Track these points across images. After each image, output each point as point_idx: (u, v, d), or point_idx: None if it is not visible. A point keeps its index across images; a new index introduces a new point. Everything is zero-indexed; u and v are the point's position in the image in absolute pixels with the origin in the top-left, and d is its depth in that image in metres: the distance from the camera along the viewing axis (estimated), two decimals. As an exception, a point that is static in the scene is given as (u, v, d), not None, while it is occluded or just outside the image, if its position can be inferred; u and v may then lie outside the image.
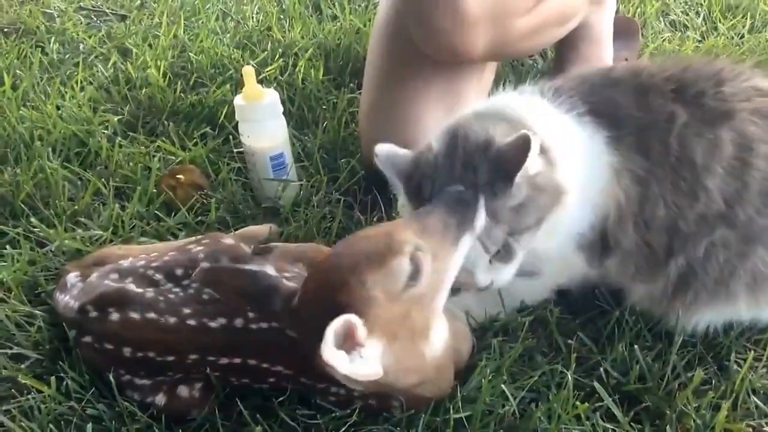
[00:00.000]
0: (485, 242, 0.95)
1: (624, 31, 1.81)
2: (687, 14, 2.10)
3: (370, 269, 0.78)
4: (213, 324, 0.93)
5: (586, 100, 1.03)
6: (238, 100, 1.36)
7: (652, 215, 1.01)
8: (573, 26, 1.55)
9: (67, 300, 1.02)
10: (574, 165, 0.99)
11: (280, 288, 0.87)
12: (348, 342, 0.75)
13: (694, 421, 0.96)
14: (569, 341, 1.07)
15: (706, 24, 2.05)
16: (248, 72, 1.33)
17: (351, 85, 1.70)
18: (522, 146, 0.91)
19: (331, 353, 0.72)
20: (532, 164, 0.93)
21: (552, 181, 0.96)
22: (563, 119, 1.01)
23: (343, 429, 0.94)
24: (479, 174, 0.94)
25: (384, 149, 1.01)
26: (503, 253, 0.97)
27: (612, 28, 1.72)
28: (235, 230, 1.25)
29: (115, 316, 0.96)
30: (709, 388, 1.01)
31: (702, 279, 1.03)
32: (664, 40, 1.95)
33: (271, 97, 1.36)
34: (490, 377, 0.99)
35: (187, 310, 0.95)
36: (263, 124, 1.37)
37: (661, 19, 2.08)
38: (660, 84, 1.03)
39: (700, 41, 1.96)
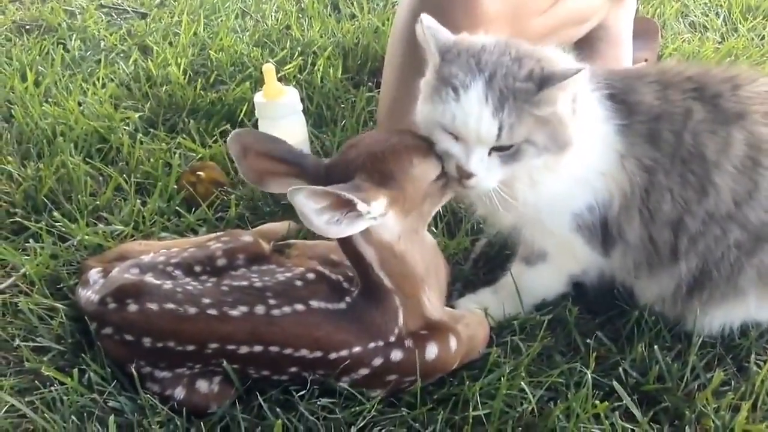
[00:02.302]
0: (504, 127, 0.93)
1: (644, 31, 1.81)
2: (707, 15, 2.09)
3: (419, 155, 0.95)
4: (234, 312, 0.94)
5: (611, 84, 1.03)
6: (258, 98, 1.37)
7: (657, 207, 1.02)
8: (591, 26, 1.54)
9: (88, 295, 1.03)
10: (582, 142, 0.99)
11: (305, 154, 0.99)
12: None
13: (713, 422, 0.96)
14: (588, 341, 1.07)
15: (726, 25, 2.04)
16: (268, 70, 1.34)
17: (369, 84, 1.71)
18: (569, 71, 0.91)
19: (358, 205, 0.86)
20: (567, 93, 0.93)
21: (567, 127, 0.96)
22: (591, 95, 1.01)
23: (362, 422, 0.95)
24: (522, 70, 0.93)
25: (431, 21, 0.99)
26: (506, 152, 0.96)
27: (631, 28, 1.72)
28: (254, 227, 1.26)
29: (133, 307, 0.97)
30: (729, 389, 1.01)
31: (715, 279, 1.03)
32: (683, 41, 1.94)
33: (290, 94, 1.37)
34: (509, 375, 0.99)
35: (207, 300, 0.95)
36: (283, 121, 1.38)
37: (681, 20, 2.08)
38: (682, 82, 1.04)
39: (720, 42, 1.95)
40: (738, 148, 1.00)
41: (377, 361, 0.95)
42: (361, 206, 0.87)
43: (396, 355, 0.96)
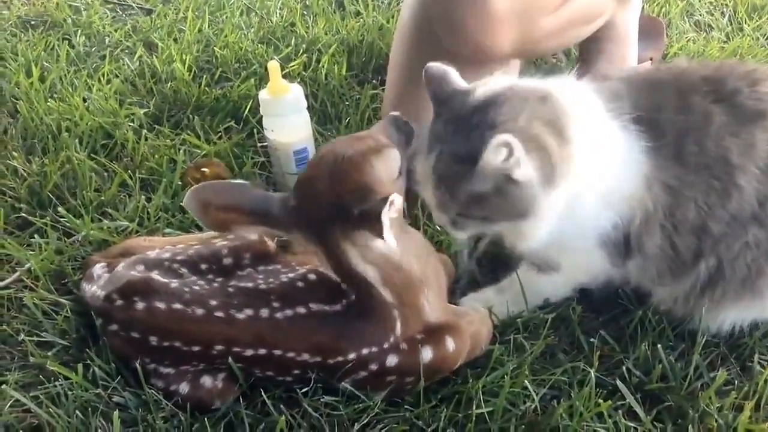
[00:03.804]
0: (442, 203, 0.98)
1: (649, 30, 1.80)
2: (712, 14, 2.09)
3: (376, 156, 0.92)
4: (240, 315, 0.95)
5: (634, 105, 1.01)
6: (263, 95, 1.37)
7: (683, 218, 1.01)
8: (599, 25, 1.54)
9: (94, 290, 1.03)
10: (604, 170, 0.99)
11: (269, 195, 0.97)
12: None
13: (716, 421, 0.96)
14: (591, 339, 1.07)
15: (731, 24, 2.04)
16: (273, 67, 1.34)
17: (374, 81, 1.71)
18: (499, 147, 0.89)
19: (384, 222, 0.85)
20: (513, 167, 0.90)
21: (527, 196, 0.94)
22: (610, 124, 1.00)
23: (365, 420, 0.95)
24: (461, 145, 0.94)
25: (436, 69, 1.01)
26: (454, 223, 1.01)
27: (637, 27, 1.71)
28: (259, 223, 1.26)
29: (140, 305, 0.97)
30: (732, 389, 1.01)
31: (730, 278, 1.02)
32: (688, 40, 1.94)
33: (295, 91, 1.37)
34: (512, 373, 0.99)
35: (213, 302, 0.96)
36: (287, 118, 1.38)
37: (686, 19, 2.07)
38: (698, 84, 1.02)
39: (725, 42, 1.94)
40: (761, 148, 0.98)
41: (373, 366, 0.95)
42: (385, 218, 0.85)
43: (391, 360, 0.96)
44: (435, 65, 1.01)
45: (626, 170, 1.00)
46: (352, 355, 0.95)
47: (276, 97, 1.36)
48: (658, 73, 1.09)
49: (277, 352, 0.95)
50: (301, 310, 0.95)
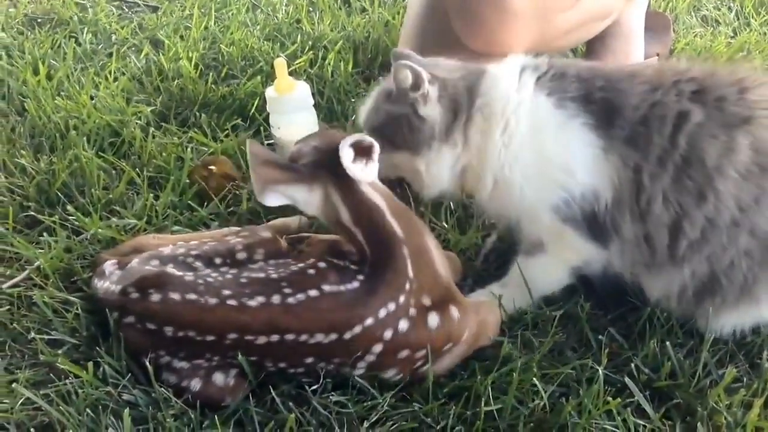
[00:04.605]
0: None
1: (655, 26, 1.80)
2: (719, 9, 2.08)
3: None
4: (252, 303, 0.95)
5: (585, 86, 1.06)
6: (270, 92, 1.37)
7: (648, 208, 1.02)
8: (610, 22, 1.54)
9: (107, 285, 1.04)
10: (529, 142, 1.07)
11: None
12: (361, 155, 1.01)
13: (725, 418, 0.96)
14: (600, 337, 1.07)
15: (738, 19, 2.03)
16: (280, 64, 1.34)
17: (380, 77, 1.70)
18: (403, 69, 1.08)
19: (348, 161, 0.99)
20: (420, 100, 1.09)
21: (425, 135, 1.11)
22: (537, 100, 1.07)
23: (375, 417, 0.96)
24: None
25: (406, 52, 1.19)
26: None
27: (643, 23, 1.71)
28: (267, 221, 1.26)
29: (156, 296, 0.98)
30: (741, 386, 1.01)
31: (727, 287, 1.03)
32: (695, 35, 1.94)
33: (302, 89, 1.38)
34: (520, 370, 0.99)
35: (226, 292, 0.97)
36: (294, 115, 1.38)
37: (693, 14, 2.07)
38: (682, 83, 1.04)
39: (732, 37, 1.94)
40: (743, 154, 0.99)
41: (388, 334, 0.96)
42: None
43: (403, 325, 0.97)
44: (400, 50, 1.16)
45: (561, 147, 1.05)
46: (369, 321, 0.95)
47: (283, 94, 1.36)
48: (638, 66, 1.15)
49: (290, 336, 0.95)
50: (314, 293, 0.96)
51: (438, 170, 1.13)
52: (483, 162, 1.10)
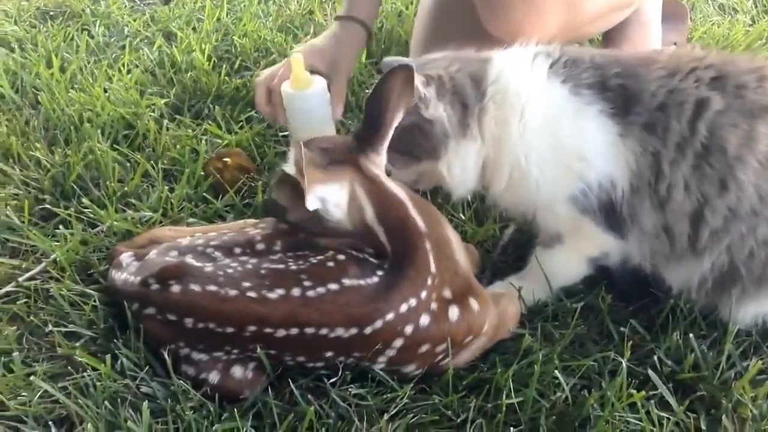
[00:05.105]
0: None
1: (673, 14, 1.78)
2: (737, -3, 2.06)
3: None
4: (272, 295, 0.95)
5: (600, 73, 1.04)
6: (286, 88, 1.34)
7: (668, 196, 1.01)
8: (632, 10, 1.53)
9: (125, 277, 1.04)
10: (544, 131, 1.04)
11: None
12: None
13: (750, 411, 0.95)
14: (622, 328, 1.06)
15: (756, 7, 2.01)
16: (296, 61, 1.30)
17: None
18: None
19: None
20: (422, 104, 1.07)
21: (439, 136, 1.08)
22: (552, 88, 1.05)
23: (394, 410, 0.95)
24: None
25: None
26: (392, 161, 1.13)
27: (660, 11, 1.69)
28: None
29: (176, 287, 0.97)
30: (766, 378, 1.00)
31: (747, 277, 1.02)
32: (713, 23, 1.91)
33: (319, 85, 1.34)
34: (541, 362, 0.98)
35: (246, 284, 0.96)
36: (311, 113, 1.35)
37: (710, 2, 2.04)
38: (699, 70, 1.02)
39: (750, 25, 1.92)
40: (763, 144, 0.98)
41: (409, 329, 0.95)
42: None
43: (424, 320, 0.96)
44: (386, 60, 1.16)
45: (577, 135, 1.03)
46: (390, 315, 0.94)
47: (299, 90, 1.33)
48: (656, 54, 1.12)
49: (310, 330, 0.94)
50: (334, 286, 0.95)
51: (462, 168, 1.10)
52: (499, 153, 1.08)
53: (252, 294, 0.95)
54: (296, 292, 0.95)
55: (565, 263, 1.13)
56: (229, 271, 0.98)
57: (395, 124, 1.04)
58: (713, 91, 1.00)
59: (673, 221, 1.02)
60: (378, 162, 1.04)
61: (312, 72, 1.29)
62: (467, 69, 1.10)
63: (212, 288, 0.96)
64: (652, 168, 1.01)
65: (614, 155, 1.02)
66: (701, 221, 1.01)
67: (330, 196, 0.98)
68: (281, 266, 0.99)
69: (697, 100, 1.00)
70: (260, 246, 1.03)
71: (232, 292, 0.95)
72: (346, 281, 0.95)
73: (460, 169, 1.10)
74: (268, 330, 0.94)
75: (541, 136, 1.05)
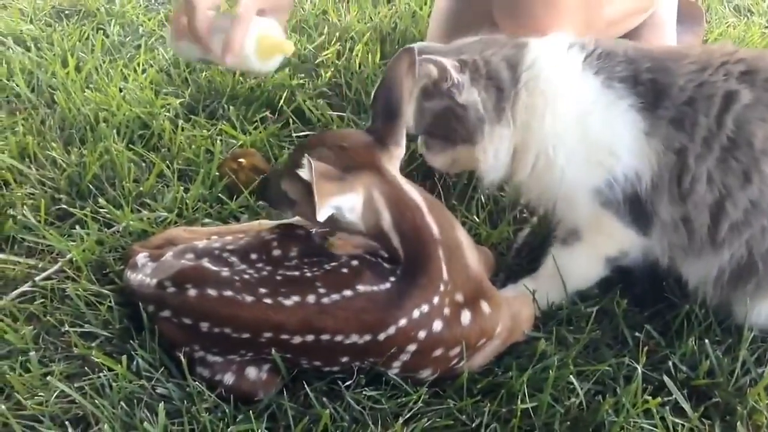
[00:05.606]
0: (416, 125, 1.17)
1: (688, 16, 1.77)
2: (753, -1, 2.04)
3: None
4: (287, 302, 0.95)
5: (633, 67, 1.05)
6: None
7: (691, 188, 1.01)
8: (648, 15, 1.53)
9: (141, 278, 1.04)
10: (574, 121, 1.05)
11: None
12: None
13: (765, 418, 0.95)
14: (636, 334, 1.06)
15: (772, 9, 1.99)
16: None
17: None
18: (427, 65, 1.08)
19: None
20: (455, 90, 1.09)
21: (473, 120, 1.10)
22: (585, 79, 1.06)
23: (408, 413, 0.95)
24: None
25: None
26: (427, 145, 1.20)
27: (675, 13, 1.68)
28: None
29: (192, 291, 0.98)
30: (782, 385, 0.99)
31: (763, 272, 1.01)
32: (728, 25, 1.90)
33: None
34: (556, 368, 0.98)
35: (263, 290, 0.96)
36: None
37: (726, 4, 2.03)
38: (730, 64, 1.02)
39: (766, 27, 1.90)
40: None
41: (422, 334, 0.95)
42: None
43: (437, 325, 0.96)
44: (419, 45, 1.12)
45: (607, 128, 1.04)
46: (403, 321, 0.94)
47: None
48: (687, 48, 1.12)
49: (325, 337, 0.94)
50: (348, 293, 0.95)
51: (495, 154, 1.10)
52: (527, 139, 1.08)
53: (268, 300, 0.95)
54: (311, 299, 0.95)
55: (582, 262, 1.13)
56: (246, 276, 0.98)
57: (408, 111, 1.05)
58: (742, 84, 1.00)
59: (694, 213, 1.02)
60: (398, 154, 1.03)
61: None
62: (502, 53, 1.11)
63: (228, 293, 0.96)
64: (675, 162, 1.01)
65: (640, 149, 1.03)
66: (722, 213, 1.01)
67: (344, 203, 0.96)
68: (296, 273, 0.99)
69: (725, 93, 1.00)
70: (276, 252, 1.03)
71: (249, 298, 0.95)
72: (360, 287, 0.95)
73: (493, 154, 1.11)
74: (284, 336, 0.95)
75: (571, 127, 1.06)
